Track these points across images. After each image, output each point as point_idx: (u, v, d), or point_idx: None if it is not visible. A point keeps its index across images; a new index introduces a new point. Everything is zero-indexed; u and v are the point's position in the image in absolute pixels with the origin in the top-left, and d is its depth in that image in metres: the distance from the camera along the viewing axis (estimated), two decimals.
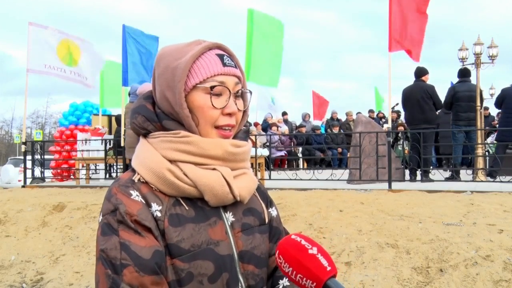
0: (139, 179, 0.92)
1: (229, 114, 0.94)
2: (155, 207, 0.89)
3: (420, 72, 7.42)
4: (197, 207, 0.93)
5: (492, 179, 6.86)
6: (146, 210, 0.88)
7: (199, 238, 0.90)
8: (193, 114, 0.93)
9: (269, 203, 1.10)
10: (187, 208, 0.92)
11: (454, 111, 7.59)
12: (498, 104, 7.77)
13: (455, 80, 7.98)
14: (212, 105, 0.92)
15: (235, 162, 0.96)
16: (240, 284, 0.95)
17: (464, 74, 7.72)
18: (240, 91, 0.97)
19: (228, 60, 0.96)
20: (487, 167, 7.75)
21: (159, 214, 0.89)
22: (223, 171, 0.93)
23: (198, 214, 0.92)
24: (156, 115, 0.95)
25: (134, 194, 0.89)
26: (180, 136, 0.92)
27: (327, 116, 14.59)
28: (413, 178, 6.98)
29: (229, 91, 0.94)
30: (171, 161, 0.92)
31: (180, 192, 0.91)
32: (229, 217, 0.97)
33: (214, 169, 0.93)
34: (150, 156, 0.93)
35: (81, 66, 8.63)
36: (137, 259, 0.83)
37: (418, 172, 7.10)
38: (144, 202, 0.89)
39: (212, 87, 0.92)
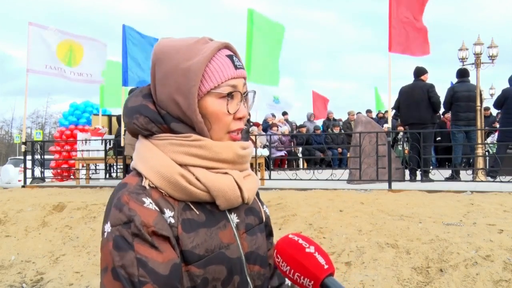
0: (149, 185, 0.88)
1: (240, 118, 0.93)
2: (168, 213, 0.86)
3: (420, 72, 7.42)
4: (207, 211, 0.91)
5: (492, 179, 6.86)
6: (162, 218, 0.85)
7: (211, 243, 0.89)
8: (205, 119, 0.90)
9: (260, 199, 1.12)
10: (197, 212, 0.90)
11: (454, 111, 7.60)
12: (499, 104, 7.75)
13: (455, 80, 7.99)
14: (228, 111, 0.90)
15: (242, 164, 0.95)
16: (249, 286, 0.95)
17: (462, 74, 7.73)
18: (247, 93, 0.96)
19: (237, 61, 0.93)
20: (487, 167, 7.75)
21: (172, 221, 0.86)
22: (234, 175, 0.92)
23: (208, 218, 0.91)
24: (161, 116, 0.91)
25: (147, 202, 0.85)
26: (191, 139, 0.89)
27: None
28: (413, 178, 6.99)
29: (241, 95, 0.92)
30: (181, 165, 0.89)
31: (192, 197, 0.89)
32: (234, 218, 0.96)
33: (225, 173, 0.92)
34: (159, 160, 0.88)
35: (84, 64, 8.62)
36: (155, 275, 0.81)
37: (418, 172, 7.10)
38: (158, 209, 0.85)
39: (229, 93, 0.90)
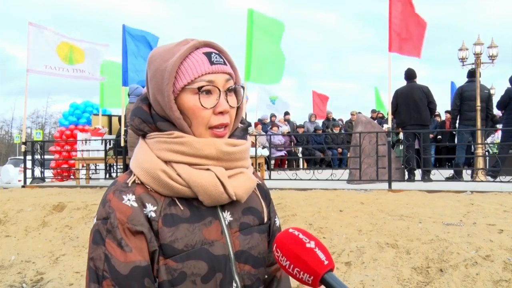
0: (134, 181, 0.93)
1: (221, 113, 0.93)
2: (150, 207, 0.90)
3: (413, 74, 7.53)
4: (193, 207, 0.93)
5: (492, 179, 6.85)
6: (138, 213, 0.89)
7: (193, 238, 0.91)
8: (185, 115, 0.93)
9: (270, 203, 1.11)
10: (182, 208, 0.92)
11: (462, 111, 7.64)
12: (503, 105, 7.72)
13: (456, 80, 8.05)
14: (202, 105, 0.92)
15: (230, 161, 0.95)
16: (235, 284, 0.95)
17: (473, 74, 7.84)
18: (231, 88, 0.96)
19: (216, 57, 0.94)
20: (487, 167, 7.75)
21: (153, 215, 0.90)
22: (216, 171, 0.93)
23: (193, 214, 0.93)
24: (151, 116, 0.96)
25: (126, 198, 0.90)
26: (173, 136, 0.92)
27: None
28: (412, 178, 6.99)
29: (219, 89, 0.93)
30: (166, 162, 0.92)
31: (175, 192, 0.92)
32: (226, 216, 0.97)
33: (208, 169, 0.93)
34: (145, 157, 0.93)
35: (86, 64, 8.63)
36: (115, 273, 0.86)
37: (418, 172, 7.10)
38: (136, 205, 0.90)
39: (199, 88, 0.92)
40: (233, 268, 0.95)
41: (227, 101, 0.94)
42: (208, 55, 0.94)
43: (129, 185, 0.92)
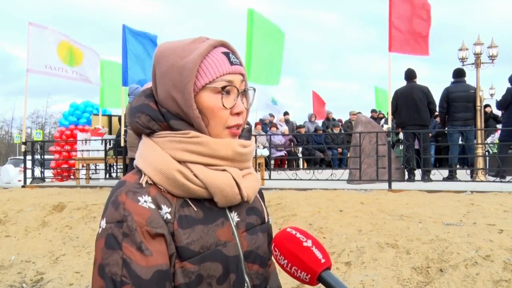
0: (146, 181, 0.89)
1: (237, 114, 0.94)
2: (165, 209, 0.87)
3: (412, 74, 7.50)
4: (205, 208, 0.92)
5: (499, 179, 6.82)
6: (156, 215, 0.86)
7: (208, 240, 0.90)
8: (203, 114, 0.91)
9: (264, 201, 1.12)
10: (195, 209, 0.91)
11: (450, 112, 7.56)
12: (504, 104, 7.68)
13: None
14: (223, 105, 0.91)
15: (242, 162, 0.96)
16: (246, 285, 0.95)
17: (458, 74, 7.68)
18: (246, 89, 0.97)
19: (233, 58, 0.94)
20: (487, 167, 7.74)
21: (169, 217, 0.87)
22: (233, 172, 0.93)
23: (206, 215, 0.92)
24: (161, 114, 0.93)
25: (142, 200, 0.86)
26: (190, 136, 0.90)
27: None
28: (412, 178, 6.99)
29: (237, 90, 0.93)
30: (180, 162, 0.90)
31: (190, 193, 0.90)
32: (234, 217, 0.96)
33: (223, 170, 0.92)
34: (158, 157, 0.90)
35: (84, 65, 8.64)
36: (136, 278, 0.82)
37: (418, 172, 7.10)
38: (153, 206, 0.86)
39: (223, 87, 0.91)
40: (243, 269, 0.95)
41: (242, 102, 0.95)
42: (226, 54, 0.93)
43: (143, 185, 0.88)
